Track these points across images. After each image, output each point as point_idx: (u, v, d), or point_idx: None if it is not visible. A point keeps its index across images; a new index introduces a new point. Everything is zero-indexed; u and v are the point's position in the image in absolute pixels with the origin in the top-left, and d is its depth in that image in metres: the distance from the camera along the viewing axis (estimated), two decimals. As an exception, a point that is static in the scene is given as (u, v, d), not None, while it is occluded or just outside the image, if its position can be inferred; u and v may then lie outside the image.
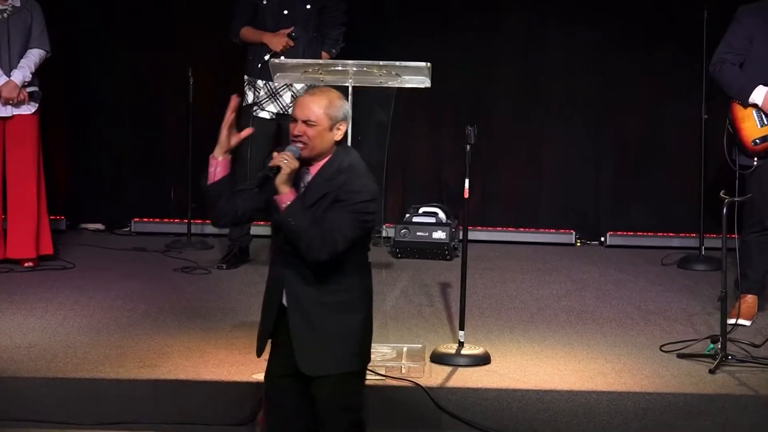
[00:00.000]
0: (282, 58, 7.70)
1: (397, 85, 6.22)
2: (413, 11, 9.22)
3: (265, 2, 7.99)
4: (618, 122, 9.26)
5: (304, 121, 4.72)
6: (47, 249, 8.11)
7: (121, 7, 9.26)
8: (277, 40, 7.91)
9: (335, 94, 4.84)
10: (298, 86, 7.81)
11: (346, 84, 6.11)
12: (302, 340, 4.73)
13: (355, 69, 6.11)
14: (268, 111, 7.93)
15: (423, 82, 6.21)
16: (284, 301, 4.76)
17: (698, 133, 8.46)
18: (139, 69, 9.26)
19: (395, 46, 9.01)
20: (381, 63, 6.14)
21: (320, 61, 6.22)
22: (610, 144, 9.30)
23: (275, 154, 4.71)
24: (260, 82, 7.97)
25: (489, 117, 9.12)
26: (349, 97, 6.09)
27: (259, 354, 4.89)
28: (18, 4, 7.92)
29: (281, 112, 7.91)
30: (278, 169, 4.63)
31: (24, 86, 7.87)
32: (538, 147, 9.32)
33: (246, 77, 8.06)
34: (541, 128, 9.30)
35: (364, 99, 6.22)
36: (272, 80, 7.82)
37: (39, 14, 7.97)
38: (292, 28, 7.92)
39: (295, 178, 4.71)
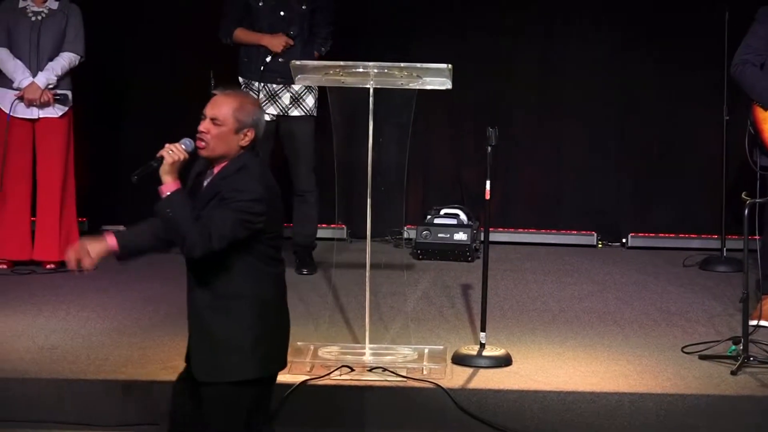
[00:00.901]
0: (280, 60, 7.71)
1: (418, 87, 6.21)
2: (432, 12, 9.21)
3: (260, 3, 7.95)
4: (639, 123, 9.23)
5: (212, 119, 4.67)
6: None
7: (144, 11, 9.27)
8: (278, 41, 7.86)
9: (251, 99, 4.79)
10: (296, 87, 7.80)
11: (367, 86, 6.11)
12: (194, 343, 4.69)
13: (376, 71, 6.09)
14: (268, 113, 7.77)
15: (444, 83, 6.20)
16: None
17: (719, 134, 8.44)
18: (159, 71, 9.28)
19: (414, 47, 9.01)
20: (402, 65, 6.13)
21: (341, 63, 6.19)
22: (631, 145, 9.27)
23: (167, 144, 4.69)
24: (259, 85, 7.94)
25: (509, 118, 9.12)
26: (370, 99, 6.09)
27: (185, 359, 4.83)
28: (55, 7, 7.94)
29: (281, 113, 7.89)
30: (163, 159, 4.62)
31: (50, 88, 7.89)
32: (559, 148, 9.31)
33: (242, 79, 8.01)
34: (562, 129, 9.28)
35: (384, 101, 6.21)
36: (271, 82, 7.85)
37: (75, 18, 7.97)
38: (291, 31, 7.89)
39: (200, 179, 4.68)
